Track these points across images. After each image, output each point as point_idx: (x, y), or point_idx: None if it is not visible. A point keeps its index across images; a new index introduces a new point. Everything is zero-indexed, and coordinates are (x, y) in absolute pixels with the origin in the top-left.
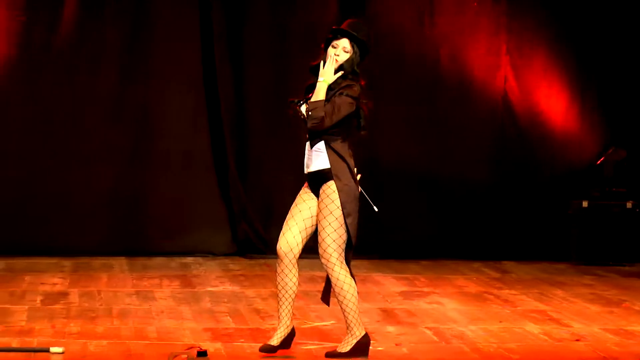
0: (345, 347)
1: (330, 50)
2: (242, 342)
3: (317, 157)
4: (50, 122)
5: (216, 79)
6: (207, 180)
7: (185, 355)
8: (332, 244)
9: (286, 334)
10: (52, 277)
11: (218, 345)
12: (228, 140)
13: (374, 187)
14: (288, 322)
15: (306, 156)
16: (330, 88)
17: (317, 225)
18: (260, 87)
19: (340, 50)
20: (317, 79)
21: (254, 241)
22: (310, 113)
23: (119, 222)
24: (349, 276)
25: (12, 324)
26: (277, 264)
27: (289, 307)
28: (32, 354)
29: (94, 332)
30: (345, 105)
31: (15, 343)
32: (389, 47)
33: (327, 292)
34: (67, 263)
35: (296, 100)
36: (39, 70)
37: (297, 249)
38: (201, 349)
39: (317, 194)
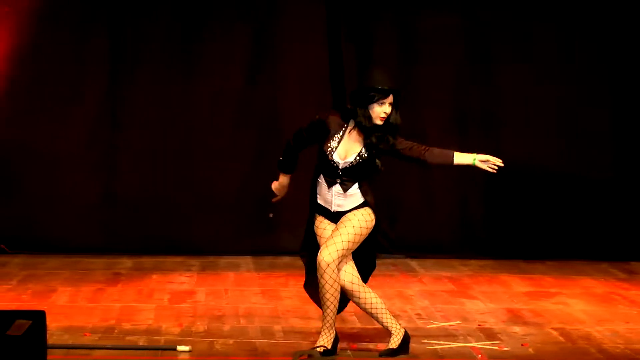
0: (394, 342)
1: (378, 109)
2: (367, 341)
3: (349, 198)
4: (180, 123)
5: (343, 79)
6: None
7: (311, 354)
8: (339, 244)
9: (333, 337)
10: (179, 276)
11: (344, 344)
12: None
13: (501, 187)
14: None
15: (333, 197)
16: (371, 144)
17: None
18: None
19: (387, 107)
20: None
21: (380, 240)
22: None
23: (245, 221)
24: (337, 282)
25: (140, 322)
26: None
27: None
28: (160, 352)
29: (221, 331)
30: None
31: (142, 341)
32: None
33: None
34: (194, 262)
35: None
36: (167, 71)
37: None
38: (327, 348)
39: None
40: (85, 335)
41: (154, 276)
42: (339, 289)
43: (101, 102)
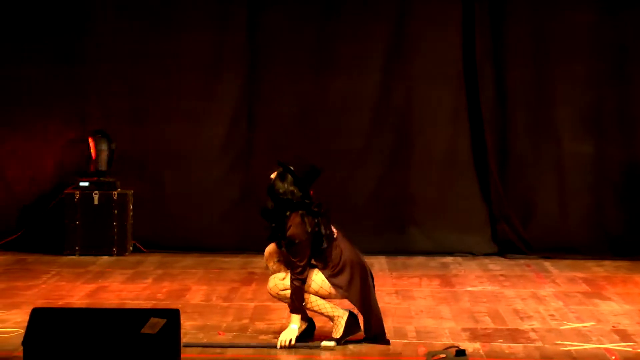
0: (337, 332)
1: None
2: (500, 342)
3: None
4: (315, 123)
5: (477, 78)
6: (467, 180)
7: (444, 355)
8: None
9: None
10: None
11: (477, 345)
12: (489, 140)
13: (636, 187)
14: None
15: None
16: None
17: None
18: (521, 86)
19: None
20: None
21: (514, 241)
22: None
23: (380, 221)
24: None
25: (273, 321)
26: None
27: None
28: (293, 351)
29: None
30: (300, 249)
31: (275, 341)
32: None
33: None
34: None
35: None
36: (301, 70)
37: None
38: (460, 348)
39: None
40: (219, 334)
41: None
42: None
43: (238, 101)
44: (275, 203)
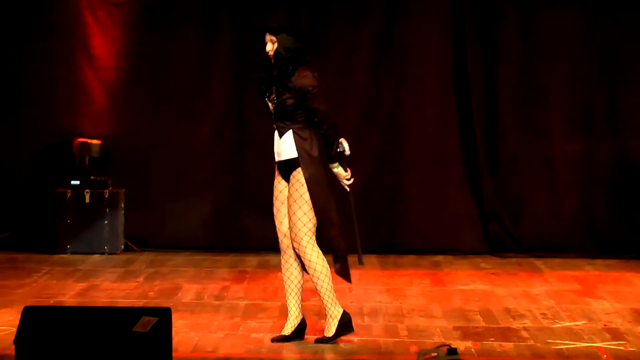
0: (330, 331)
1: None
2: (492, 341)
3: (285, 146)
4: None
5: (467, 77)
6: (458, 178)
7: (436, 353)
8: (303, 228)
9: (296, 324)
10: (305, 275)
11: (468, 343)
12: (479, 139)
13: (627, 186)
14: (297, 313)
15: (275, 145)
16: (286, 82)
17: (288, 209)
18: (511, 85)
19: (269, 45)
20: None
21: (505, 240)
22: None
23: (370, 220)
24: (322, 257)
25: (264, 319)
26: (281, 258)
27: (296, 298)
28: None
29: None
30: (320, 97)
31: (267, 339)
32: None
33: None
34: None
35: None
36: None
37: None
38: (451, 347)
39: (288, 181)
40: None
41: (279, 274)
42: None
43: (228, 99)
44: (280, 61)
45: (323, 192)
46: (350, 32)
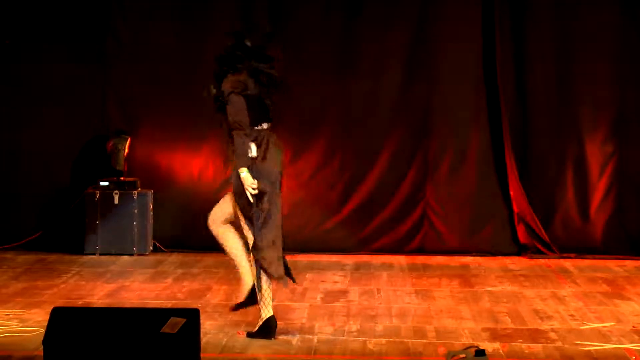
0: (255, 329)
1: None
2: (520, 342)
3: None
4: (334, 122)
5: (497, 78)
6: (487, 180)
7: (464, 355)
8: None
9: (248, 290)
10: (333, 275)
11: (496, 345)
12: (508, 140)
13: None
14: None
15: None
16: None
17: None
18: (542, 86)
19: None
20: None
21: (535, 241)
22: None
23: (400, 221)
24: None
25: (293, 320)
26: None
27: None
28: (313, 351)
29: (373, 330)
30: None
31: (295, 340)
32: None
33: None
34: (348, 261)
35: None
36: (323, 69)
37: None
38: (479, 348)
39: None
40: (239, 334)
41: (308, 275)
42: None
43: None
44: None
45: (243, 199)
46: (383, 34)
